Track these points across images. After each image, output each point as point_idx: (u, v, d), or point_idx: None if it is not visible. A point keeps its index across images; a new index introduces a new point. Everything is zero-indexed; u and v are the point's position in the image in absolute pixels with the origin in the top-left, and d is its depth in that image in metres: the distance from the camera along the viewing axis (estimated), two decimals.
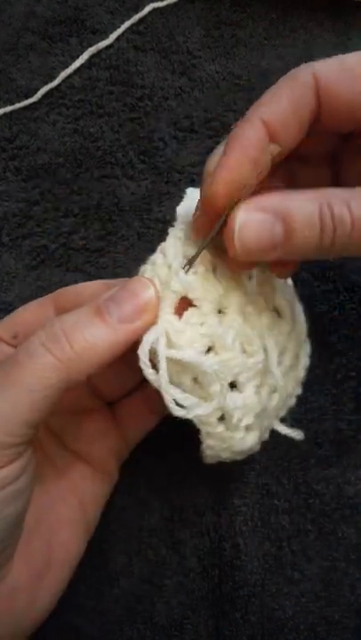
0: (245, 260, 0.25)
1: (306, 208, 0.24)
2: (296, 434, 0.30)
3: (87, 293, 0.30)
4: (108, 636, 0.33)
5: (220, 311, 0.27)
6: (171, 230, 0.28)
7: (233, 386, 0.27)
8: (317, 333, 0.36)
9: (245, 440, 0.28)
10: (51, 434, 0.32)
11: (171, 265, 0.27)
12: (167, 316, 0.26)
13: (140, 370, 0.26)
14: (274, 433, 0.35)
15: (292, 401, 0.32)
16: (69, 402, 0.30)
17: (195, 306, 0.27)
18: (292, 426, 0.35)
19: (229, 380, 0.27)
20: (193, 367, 0.26)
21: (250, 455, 0.35)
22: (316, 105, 0.25)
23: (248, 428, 0.28)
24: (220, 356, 0.26)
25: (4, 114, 0.42)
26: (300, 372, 0.31)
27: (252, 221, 0.24)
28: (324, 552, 0.33)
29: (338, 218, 0.23)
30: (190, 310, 0.26)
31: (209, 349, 0.27)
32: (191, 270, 0.26)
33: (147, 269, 0.27)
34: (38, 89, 0.42)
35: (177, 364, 0.26)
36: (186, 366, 0.26)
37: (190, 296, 0.26)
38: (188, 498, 0.35)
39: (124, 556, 0.34)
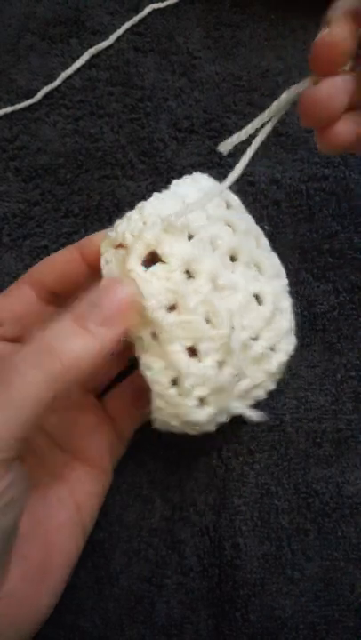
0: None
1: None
2: (257, 415, 0.29)
3: (60, 261, 0.30)
4: (108, 635, 0.33)
5: (188, 274, 0.27)
6: (155, 194, 0.29)
7: (194, 354, 0.27)
8: (317, 333, 0.37)
9: (197, 412, 0.28)
10: (44, 434, 0.32)
11: (146, 221, 0.27)
12: (134, 266, 0.26)
13: (124, 356, 0.26)
14: (275, 432, 0.35)
15: (259, 393, 0.30)
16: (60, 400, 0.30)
17: (163, 262, 0.27)
18: (291, 425, 0.35)
19: (188, 344, 0.27)
20: (153, 320, 0.26)
21: (249, 457, 0.35)
22: None
23: (202, 401, 0.28)
24: (181, 317, 0.26)
25: (5, 114, 0.42)
26: (273, 366, 0.30)
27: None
28: (323, 551, 0.34)
29: None
30: (158, 264, 0.26)
31: (172, 308, 0.26)
32: (166, 226, 0.27)
33: (121, 223, 0.27)
34: (38, 89, 0.42)
35: (138, 315, 0.26)
36: (146, 318, 0.26)
37: (159, 251, 0.26)
38: (188, 497, 0.35)
39: (124, 556, 0.34)
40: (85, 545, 0.31)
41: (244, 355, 0.28)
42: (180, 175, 0.41)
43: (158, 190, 0.40)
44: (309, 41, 0.43)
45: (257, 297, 0.29)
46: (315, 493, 0.34)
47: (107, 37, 0.43)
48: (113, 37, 0.43)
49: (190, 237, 0.28)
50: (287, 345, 0.30)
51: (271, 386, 0.31)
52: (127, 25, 0.44)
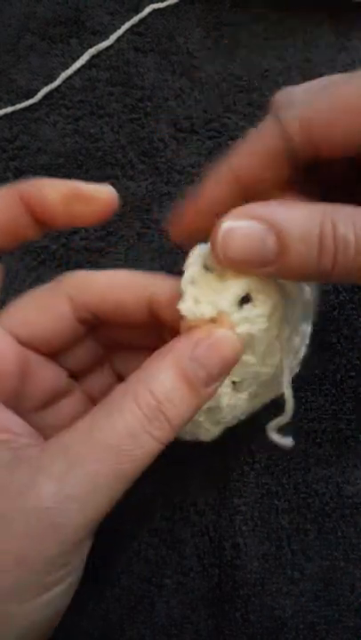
0: (234, 269, 0.23)
1: (305, 223, 0.21)
2: (289, 442, 0.29)
3: (116, 291, 0.26)
4: (108, 635, 0.33)
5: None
6: None
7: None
8: (317, 333, 0.37)
9: (209, 433, 0.28)
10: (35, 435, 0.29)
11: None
12: (230, 307, 0.24)
13: (108, 342, 0.25)
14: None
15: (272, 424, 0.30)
16: (51, 389, 0.28)
17: (254, 305, 0.25)
18: (291, 425, 0.35)
19: (236, 379, 0.26)
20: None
21: (249, 456, 0.35)
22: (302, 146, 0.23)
23: (219, 422, 0.28)
24: (245, 357, 0.25)
25: (5, 114, 0.42)
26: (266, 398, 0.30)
27: (238, 229, 0.22)
28: (323, 551, 0.34)
29: (341, 238, 0.21)
30: (250, 306, 0.25)
31: None
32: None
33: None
34: (38, 90, 0.42)
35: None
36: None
37: (254, 294, 0.24)
38: (188, 497, 0.35)
39: (124, 556, 0.34)
40: None
41: (267, 387, 0.29)
42: (180, 175, 0.41)
43: (158, 190, 0.41)
44: (309, 41, 0.43)
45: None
46: (315, 493, 0.34)
47: (107, 37, 0.43)
48: (113, 37, 0.43)
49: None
50: (261, 401, 0.30)
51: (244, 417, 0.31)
52: (127, 25, 0.44)
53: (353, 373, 0.36)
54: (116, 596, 0.34)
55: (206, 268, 0.25)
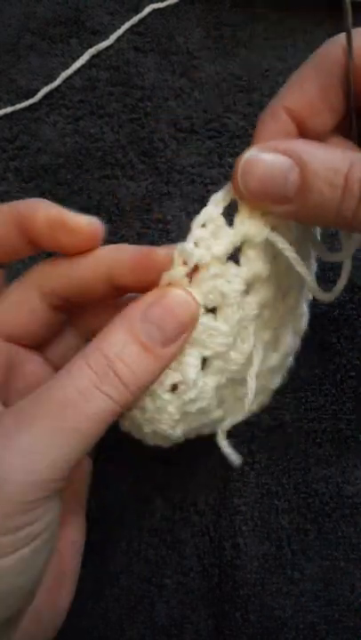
0: (253, 205, 0.22)
1: (332, 162, 0.20)
2: (234, 458, 0.28)
3: (81, 272, 0.26)
4: (108, 635, 0.33)
5: (247, 290, 0.25)
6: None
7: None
8: (317, 333, 0.37)
9: (174, 429, 0.27)
10: None
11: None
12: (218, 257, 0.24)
13: (88, 330, 0.25)
14: (275, 432, 0.35)
15: (224, 424, 0.29)
16: (36, 382, 0.27)
17: (237, 265, 0.24)
18: (291, 425, 0.35)
19: (206, 353, 0.25)
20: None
21: (249, 457, 0.35)
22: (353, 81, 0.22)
23: (183, 418, 0.26)
24: (217, 323, 0.25)
25: (5, 114, 0.42)
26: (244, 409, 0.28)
27: (261, 160, 0.21)
28: (323, 552, 0.34)
29: None
30: (231, 263, 0.24)
31: (211, 311, 0.25)
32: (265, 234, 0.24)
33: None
34: (39, 90, 0.42)
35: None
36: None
37: (243, 252, 0.24)
38: (188, 497, 0.35)
39: (124, 556, 0.34)
40: (85, 545, 0.31)
41: (236, 388, 0.27)
42: (180, 175, 0.41)
43: (158, 190, 0.41)
44: (309, 41, 0.43)
45: (276, 341, 0.28)
46: (315, 493, 0.34)
47: (107, 37, 0.43)
48: (113, 37, 0.43)
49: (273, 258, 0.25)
50: (265, 399, 0.29)
51: (225, 428, 0.29)
52: (127, 25, 0.43)
53: (353, 373, 0.36)
54: (116, 595, 0.34)
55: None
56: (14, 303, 0.27)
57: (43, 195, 0.40)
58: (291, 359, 0.29)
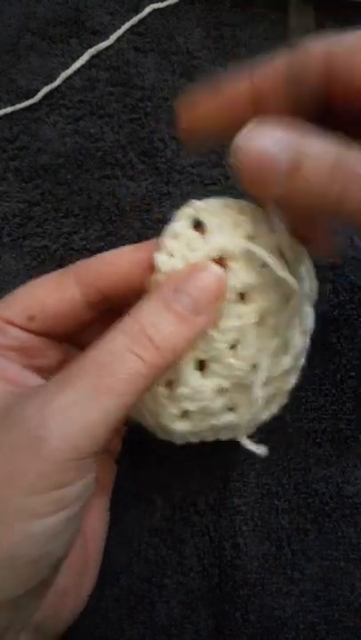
0: (249, 185, 0.23)
1: (322, 147, 0.21)
2: (261, 450, 0.28)
3: (125, 264, 0.27)
4: (108, 635, 0.33)
5: (242, 298, 0.26)
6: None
7: (202, 367, 0.26)
8: (317, 333, 0.37)
9: (175, 423, 0.27)
10: None
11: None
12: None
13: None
14: (275, 432, 0.35)
15: (232, 435, 0.30)
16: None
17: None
18: (291, 426, 0.35)
19: (201, 357, 0.26)
20: None
21: (249, 457, 0.35)
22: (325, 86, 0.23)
23: (185, 415, 0.27)
24: (209, 330, 0.25)
25: (5, 114, 0.42)
26: (263, 416, 0.29)
27: (259, 135, 0.22)
28: (323, 551, 0.34)
29: (354, 173, 0.21)
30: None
31: None
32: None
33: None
34: (38, 90, 0.42)
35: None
36: None
37: (231, 262, 0.25)
38: (188, 497, 0.35)
39: (124, 556, 0.34)
40: None
41: (247, 393, 0.27)
42: (180, 175, 0.41)
43: (158, 190, 0.41)
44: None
45: (286, 345, 0.28)
46: (315, 493, 0.34)
47: (107, 37, 0.43)
48: (113, 37, 0.43)
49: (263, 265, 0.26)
50: (283, 400, 0.30)
51: (246, 432, 0.29)
52: (127, 25, 0.43)
53: (353, 373, 0.36)
54: (116, 595, 0.34)
55: (197, 225, 0.26)
56: (54, 286, 0.28)
57: (43, 194, 0.40)
58: (303, 359, 0.30)
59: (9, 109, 0.42)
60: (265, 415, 0.29)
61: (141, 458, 0.35)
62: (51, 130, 0.42)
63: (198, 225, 0.26)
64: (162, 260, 0.26)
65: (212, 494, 0.35)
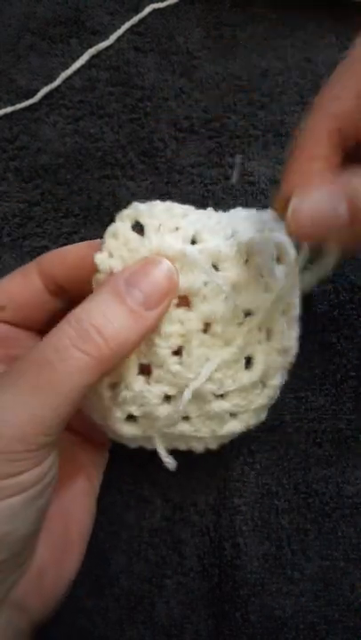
0: (306, 239, 0.23)
1: None
2: (171, 465, 0.28)
3: (71, 257, 0.29)
4: (108, 635, 0.33)
5: (188, 304, 0.26)
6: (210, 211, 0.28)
7: (148, 372, 0.27)
8: (317, 333, 0.37)
9: (121, 426, 0.27)
10: None
11: (179, 226, 0.26)
12: (170, 243, 0.25)
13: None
14: (275, 432, 0.35)
15: (197, 446, 0.30)
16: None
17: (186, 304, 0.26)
18: (291, 425, 0.35)
19: (144, 361, 0.26)
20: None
21: (249, 457, 0.35)
22: None
23: (132, 418, 0.27)
24: (151, 335, 0.25)
25: (5, 114, 0.42)
26: (222, 430, 0.28)
27: (307, 203, 0.22)
28: (323, 552, 0.34)
29: None
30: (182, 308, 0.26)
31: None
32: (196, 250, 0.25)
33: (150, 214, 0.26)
34: (38, 90, 0.42)
35: None
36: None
37: (178, 262, 0.25)
38: (188, 497, 0.35)
39: (124, 556, 0.34)
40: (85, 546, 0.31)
41: (199, 404, 0.27)
42: (180, 175, 0.41)
43: (158, 190, 0.41)
44: (309, 41, 0.43)
45: (249, 360, 0.28)
46: (315, 493, 0.34)
47: (107, 37, 0.43)
48: (113, 37, 0.43)
49: (215, 267, 0.26)
50: (250, 419, 0.29)
51: (213, 445, 0.30)
52: (127, 25, 0.43)
53: (353, 373, 0.36)
54: (116, 595, 0.34)
55: (140, 226, 0.26)
56: (19, 279, 0.30)
57: (42, 195, 0.40)
58: (279, 378, 0.29)
59: (9, 109, 0.42)
60: (225, 430, 0.29)
61: (141, 458, 0.35)
62: (51, 130, 0.42)
63: (141, 228, 0.26)
64: (100, 257, 0.26)
65: (212, 494, 0.35)
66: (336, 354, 0.36)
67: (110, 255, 0.26)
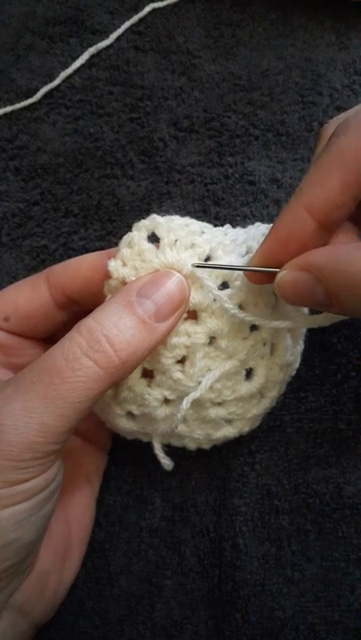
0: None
1: (351, 270, 0.21)
2: (167, 465, 0.29)
3: (84, 269, 0.28)
4: (108, 635, 0.33)
5: (196, 318, 0.26)
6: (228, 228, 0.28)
7: (150, 376, 0.27)
8: (317, 333, 0.36)
9: (121, 421, 0.28)
10: None
11: (195, 244, 0.26)
12: (183, 258, 0.26)
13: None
14: (275, 432, 0.35)
15: (190, 445, 0.31)
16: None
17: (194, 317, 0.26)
18: (291, 426, 0.35)
19: (148, 367, 0.27)
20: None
21: (249, 457, 0.35)
22: None
23: (131, 416, 0.28)
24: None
25: (4, 114, 0.42)
26: (215, 435, 0.30)
27: (287, 282, 0.23)
28: (324, 552, 0.33)
29: None
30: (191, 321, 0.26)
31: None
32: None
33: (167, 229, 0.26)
34: (38, 89, 0.42)
35: None
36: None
37: (192, 281, 0.26)
38: (188, 498, 0.35)
39: (124, 556, 0.34)
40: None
41: (197, 409, 0.28)
42: (180, 175, 0.41)
43: (158, 190, 0.41)
44: (309, 41, 0.43)
45: (250, 372, 0.28)
46: (315, 494, 0.34)
47: (107, 37, 0.43)
48: (113, 37, 0.43)
49: (225, 285, 0.26)
50: (244, 427, 0.30)
51: (206, 445, 0.31)
52: (127, 24, 0.43)
53: (353, 373, 0.36)
54: (116, 595, 0.34)
55: (155, 237, 0.26)
56: (27, 288, 0.29)
57: (42, 194, 0.40)
58: (277, 391, 0.30)
59: (8, 109, 0.42)
60: (219, 434, 0.30)
61: (141, 458, 0.34)
62: (50, 129, 0.42)
63: (156, 239, 0.26)
64: (114, 265, 0.26)
65: (212, 494, 0.35)
66: (336, 354, 0.36)
67: (124, 264, 0.26)
